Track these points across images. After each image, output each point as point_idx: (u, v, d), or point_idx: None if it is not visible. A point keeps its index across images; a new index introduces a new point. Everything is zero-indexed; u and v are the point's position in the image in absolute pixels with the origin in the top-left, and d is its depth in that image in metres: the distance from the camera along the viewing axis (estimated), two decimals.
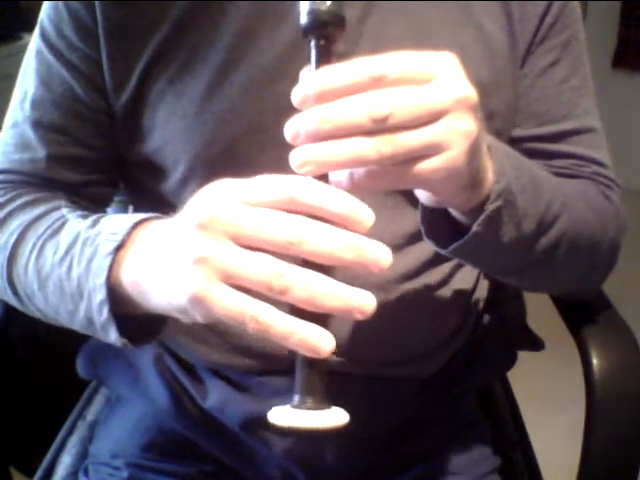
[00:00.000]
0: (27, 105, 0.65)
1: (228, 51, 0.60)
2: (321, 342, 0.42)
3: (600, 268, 0.69)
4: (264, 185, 0.43)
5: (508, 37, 0.65)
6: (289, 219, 0.42)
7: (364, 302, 0.42)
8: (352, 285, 0.42)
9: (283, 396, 0.45)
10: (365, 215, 0.43)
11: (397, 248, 0.66)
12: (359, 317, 0.42)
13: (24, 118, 0.65)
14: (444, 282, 0.70)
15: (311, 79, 0.43)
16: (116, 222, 0.54)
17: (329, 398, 0.45)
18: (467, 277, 0.73)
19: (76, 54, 0.62)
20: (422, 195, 0.52)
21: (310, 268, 0.42)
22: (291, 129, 0.44)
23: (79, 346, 0.79)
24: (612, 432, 0.68)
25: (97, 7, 0.60)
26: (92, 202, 0.68)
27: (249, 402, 0.69)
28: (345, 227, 0.43)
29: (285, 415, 0.44)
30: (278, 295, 0.42)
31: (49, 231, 0.58)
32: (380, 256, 0.43)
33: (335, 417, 0.44)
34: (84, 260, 0.54)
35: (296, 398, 0.44)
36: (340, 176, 0.46)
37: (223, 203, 0.43)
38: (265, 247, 0.42)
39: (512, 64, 0.66)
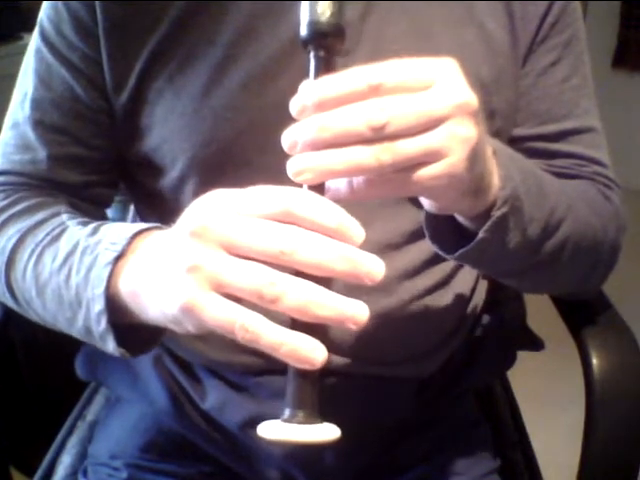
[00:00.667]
0: (27, 105, 0.65)
1: (227, 48, 0.60)
2: (312, 353, 0.42)
3: (601, 269, 0.69)
4: (257, 196, 0.43)
5: (510, 36, 0.65)
6: (281, 229, 0.42)
7: (357, 312, 0.42)
8: (350, 285, 0.42)
9: (282, 397, 0.45)
10: (356, 230, 0.43)
11: (397, 246, 0.66)
12: (352, 327, 0.42)
13: (24, 118, 0.65)
14: (444, 281, 0.70)
15: (309, 89, 0.43)
16: (116, 231, 0.53)
17: (320, 412, 0.44)
18: (467, 277, 0.73)
19: (76, 54, 0.62)
20: (425, 202, 0.52)
21: (305, 279, 0.42)
22: (289, 138, 0.44)
23: (79, 346, 0.79)
24: (612, 432, 0.68)
25: (97, 7, 0.60)
26: (92, 204, 0.68)
27: (248, 403, 0.69)
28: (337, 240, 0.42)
29: (275, 429, 0.43)
30: (269, 304, 0.41)
31: (48, 238, 0.58)
32: (373, 268, 0.42)
33: (326, 432, 0.44)
34: (83, 269, 0.54)
35: (287, 411, 0.44)
36: (339, 185, 0.46)
37: (216, 213, 0.43)
38: (257, 257, 0.42)
39: (513, 63, 0.66)
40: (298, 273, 0.42)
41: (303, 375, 0.44)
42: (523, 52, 0.66)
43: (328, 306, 0.41)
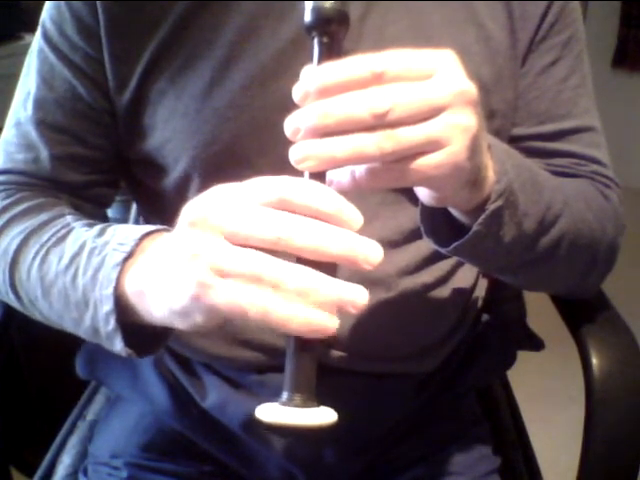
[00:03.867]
0: (30, 105, 0.65)
1: (229, 48, 0.60)
2: (325, 322, 0.42)
3: (599, 268, 0.69)
4: (254, 186, 0.43)
5: (509, 36, 0.65)
6: (277, 215, 0.42)
7: (356, 296, 0.42)
8: (352, 280, 0.42)
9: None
10: (353, 216, 0.43)
11: (397, 244, 0.66)
12: (352, 311, 0.42)
13: (27, 118, 0.65)
14: (443, 279, 0.70)
15: (312, 75, 0.43)
16: (124, 233, 0.53)
17: (318, 396, 0.45)
18: (467, 275, 0.73)
19: (78, 54, 0.62)
20: (423, 194, 0.52)
21: (307, 266, 0.42)
22: (291, 124, 0.44)
23: (79, 346, 0.79)
24: (612, 432, 0.67)
25: (99, 7, 0.60)
26: (94, 203, 0.69)
27: (249, 402, 0.69)
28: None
29: (272, 412, 0.43)
30: (274, 288, 0.41)
31: (53, 239, 0.58)
32: (370, 253, 0.43)
33: (322, 416, 0.44)
34: (90, 269, 0.54)
35: (284, 395, 0.44)
36: (341, 175, 0.46)
37: (215, 204, 0.43)
38: (256, 244, 0.42)
39: (513, 63, 0.66)
40: (299, 261, 0.42)
41: (301, 359, 0.44)
42: (522, 52, 0.66)
43: (327, 290, 0.41)
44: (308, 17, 0.47)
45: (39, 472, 0.82)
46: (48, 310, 0.59)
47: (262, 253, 0.42)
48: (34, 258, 0.58)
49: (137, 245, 0.51)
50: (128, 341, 0.52)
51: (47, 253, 0.58)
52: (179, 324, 0.48)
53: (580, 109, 0.70)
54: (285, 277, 0.41)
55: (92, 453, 0.80)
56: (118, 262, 0.51)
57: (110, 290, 0.51)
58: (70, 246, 0.57)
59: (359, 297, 0.42)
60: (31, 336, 1.20)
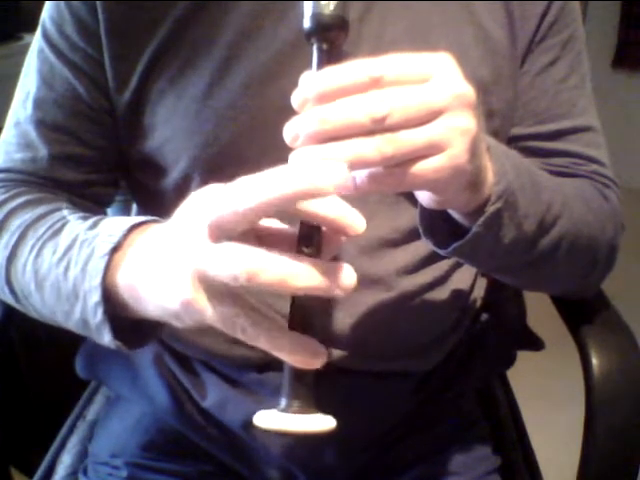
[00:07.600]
0: (29, 104, 0.65)
1: (229, 48, 0.60)
2: (312, 355, 0.43)
3: (599, 268, 0.69)
4: (252, 190, 0.42)
5: (508, 36, 0.65)
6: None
7: (342, 276, 0.41)
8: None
9: None
10: (355, 221, 0.43)
11: (396, 244, 0.66)
12: (339, 293, 0.41)
13: (26, 117, 0.65)
14: (442, 279, 0.70)
15: (310, 81, 0.43)
16: (114, 224, 0.53)
17: (318, 397, 0.45)
18: (465, 275, 0.73)
19: (78, 54, 0.63)
20: (423, 197, 0.52)
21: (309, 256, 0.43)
22: (290, 131, 0.44)
23: (79, 346, 0.79)
24: (612, 432, 0.67)
25: (98, 7, 0.61)
26: (93, 202, 0.69)
27: (249, 401, 0.69)
28: (336, 231, 0.43)
29: (271, 418, 0.44)
30: (249, 281, 0.40)
31: (49, 232, 0.58)
32: (355, 222, 0.43)
33: (321, 422, 0.44)
34: (81, 261, 0.54)
35: (283, 401, 0.44)
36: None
37: (211, 207, 0.43)
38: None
39: (512, 63, 0.66)
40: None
41: (300, 367, 0.44)
42: (522, 51, 0.66)
43: (307, 275, 0.41)
44: (307, 24, 0.47)
45: (39, 472, 0.82)
46: (41, 304, 0.59)
47: (254, 249, 0.41)
48: (30, 252, 0.58)
49: (125, 237, 0.51)
50: (118, 333, 0.52)
51: (42, 247, 0.58)
52: (172, 322, 0.48)
53: (579, 109, 0.70)
54: (263, 266, 0.40)
55: (92, 453, 0.80)
56: (106, 252, 0.51)
57: (98, 281, 0.51)
58: (64, 239, 0.57)
59: (346, 276, 0.41)
60: (31, 336, 1.20)
